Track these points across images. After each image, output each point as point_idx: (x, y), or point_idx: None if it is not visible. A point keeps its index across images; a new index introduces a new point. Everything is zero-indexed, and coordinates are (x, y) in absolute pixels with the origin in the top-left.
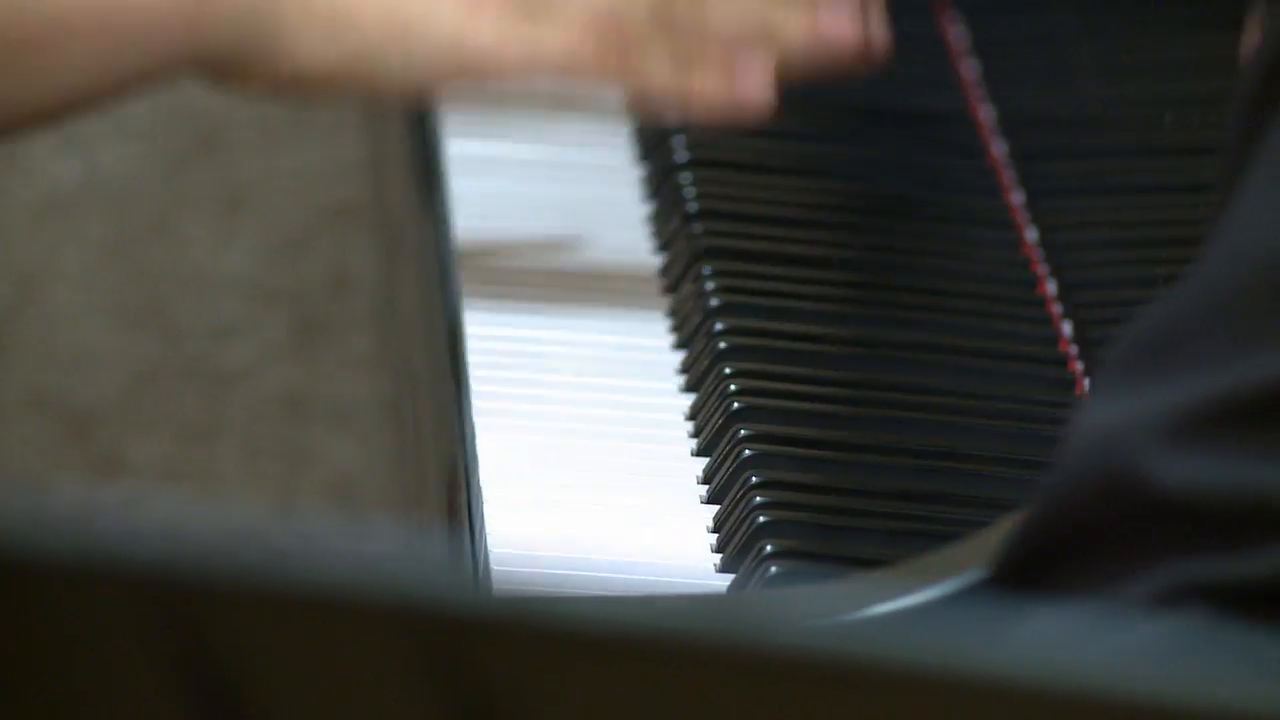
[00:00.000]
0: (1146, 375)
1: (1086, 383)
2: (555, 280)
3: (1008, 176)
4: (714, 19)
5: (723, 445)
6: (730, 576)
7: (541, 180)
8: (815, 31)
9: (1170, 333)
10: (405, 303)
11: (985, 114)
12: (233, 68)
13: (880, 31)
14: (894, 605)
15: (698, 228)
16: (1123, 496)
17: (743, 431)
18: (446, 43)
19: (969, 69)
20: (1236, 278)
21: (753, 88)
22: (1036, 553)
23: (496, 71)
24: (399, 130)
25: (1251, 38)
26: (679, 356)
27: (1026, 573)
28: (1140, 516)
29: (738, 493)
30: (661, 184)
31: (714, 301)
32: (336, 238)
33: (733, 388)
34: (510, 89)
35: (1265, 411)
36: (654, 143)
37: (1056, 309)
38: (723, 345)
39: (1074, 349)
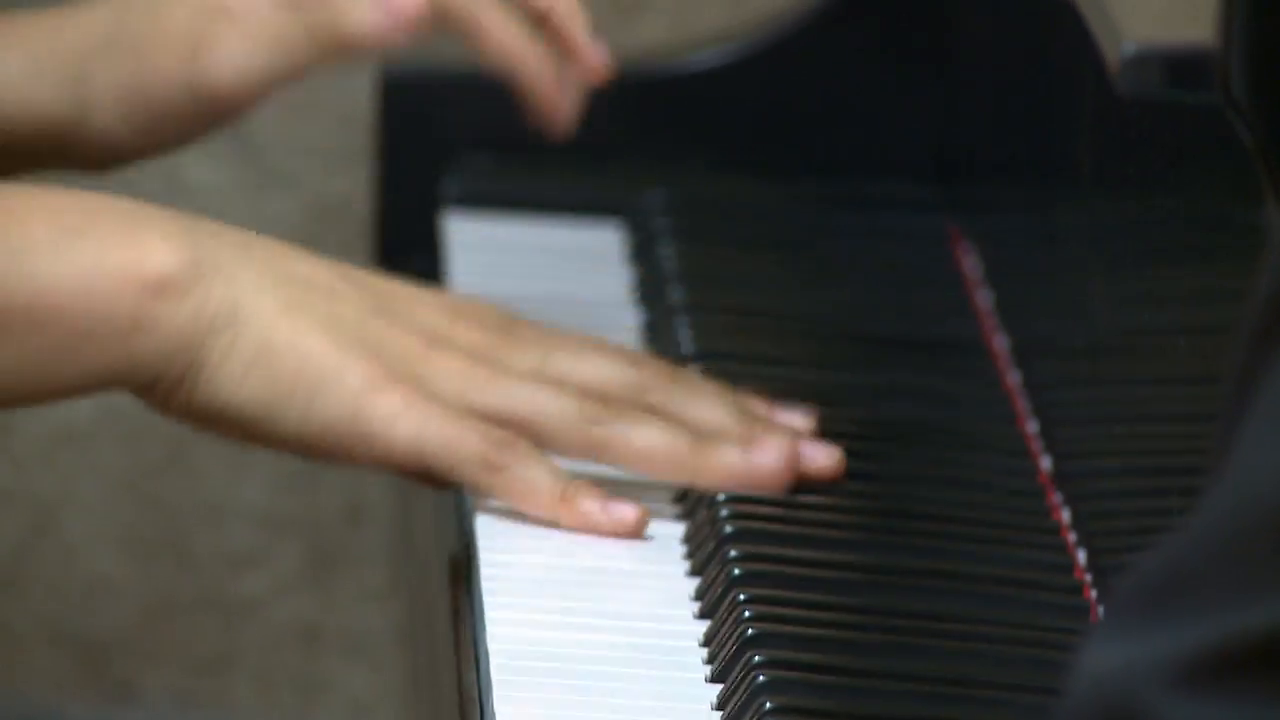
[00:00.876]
0: (1150, 618)
1: (1100, 610)
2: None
3: (1022, 405)
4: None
5: (737, 672)
6: None
7: None
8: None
9: (1174, 576)
10: (419, 533)
11: (999, 343)
12: (157, 390)
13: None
14: None
15: None
16: None
17: (757, 658)
18: (345, 410)
19: (983, 298)
20: (1239, 522)
21: (629, 516)
22: None
23: (383, 452)
24: None
25: None
26: (694, 583)
27: None
28: None
29: (752, 719)
30: None
31: (728, 529)
32: (351, 468)
33: (747, 614)
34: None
35: (1274, 658)
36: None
37: (1071, 537)
38: (736, 571)
39: (1088, 577)
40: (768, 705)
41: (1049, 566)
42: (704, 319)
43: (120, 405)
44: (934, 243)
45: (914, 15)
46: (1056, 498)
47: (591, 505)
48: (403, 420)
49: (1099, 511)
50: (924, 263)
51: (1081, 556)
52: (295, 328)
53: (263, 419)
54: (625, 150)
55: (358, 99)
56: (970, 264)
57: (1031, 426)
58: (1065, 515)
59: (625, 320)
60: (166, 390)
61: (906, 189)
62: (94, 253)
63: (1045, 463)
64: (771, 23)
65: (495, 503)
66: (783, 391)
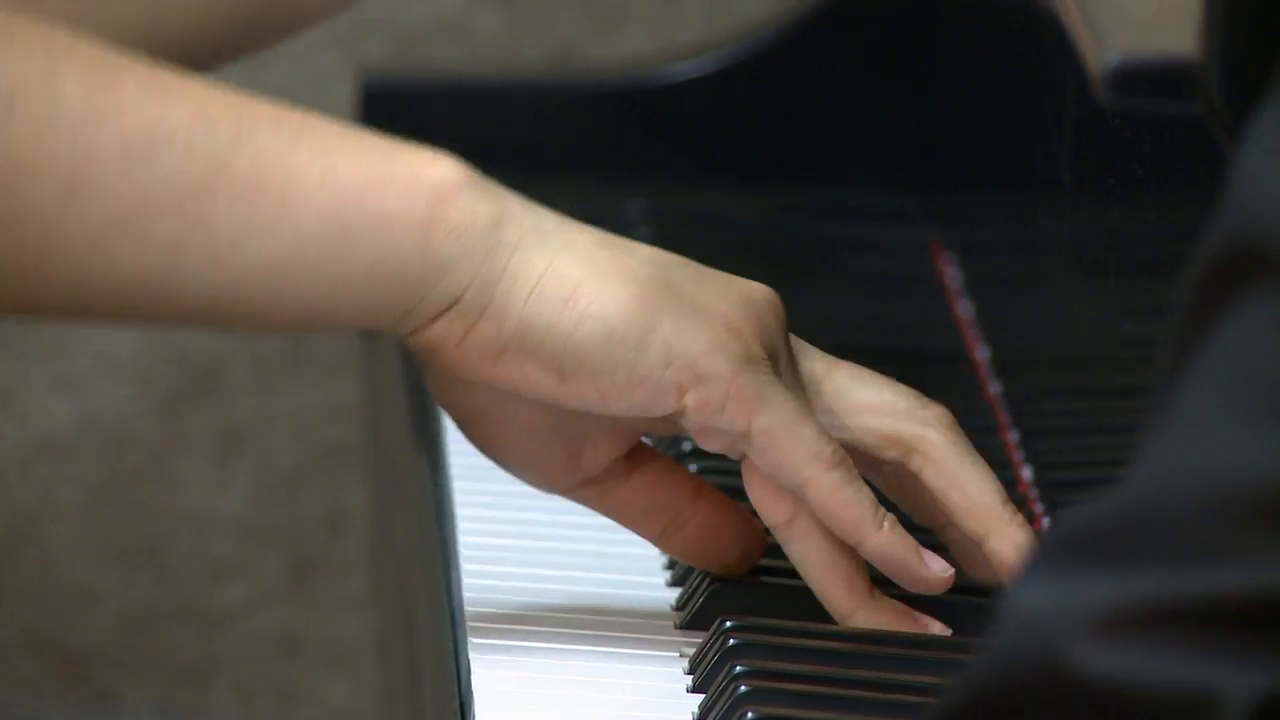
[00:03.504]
0: (1081, 566)
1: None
2: (554, 522)
3: (1003, 415)
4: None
5: (718, 682)
6: None
7: None
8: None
9: (1106, 529)
10: (400, 543)
11: (980, 354)
12: (468, 316)
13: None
14: None
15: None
16: (1047, 682)
17: (738, 668)
18: (701, 343)
19: (964, 309)
20: (1176, 487)
21: (936, 569)
22: None
23: (712, 414)
24: (394, 371)
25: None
26: (674, 594)
27: None
28: (1062, 705)
29: None
30: None
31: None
32: (331, 478)
33: (728, 624)
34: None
35: (1207, 619)
36: None
37: None
38: (718, 583)
39: None
40: (749, 715)
41: None
42: None
43: (101, 414)
44: (915, 253)
45: (895, 25)
46: (1037, 508)
47: (909, 539)
48: (741, 383)
49: None
50: (905, 273)
51: None
52: (622, 261)
53: (594, 345)
54: (605, 161)
55: (338, 108)
56: (951, 275)
57: (1012, 436)
58: (1046, 526)
59: None
60: (479, 313)
61: (887, 200)
62: (379, 154)
63: (1026, 473)
64: (751, 33)
65: (478, 525)
66: None
